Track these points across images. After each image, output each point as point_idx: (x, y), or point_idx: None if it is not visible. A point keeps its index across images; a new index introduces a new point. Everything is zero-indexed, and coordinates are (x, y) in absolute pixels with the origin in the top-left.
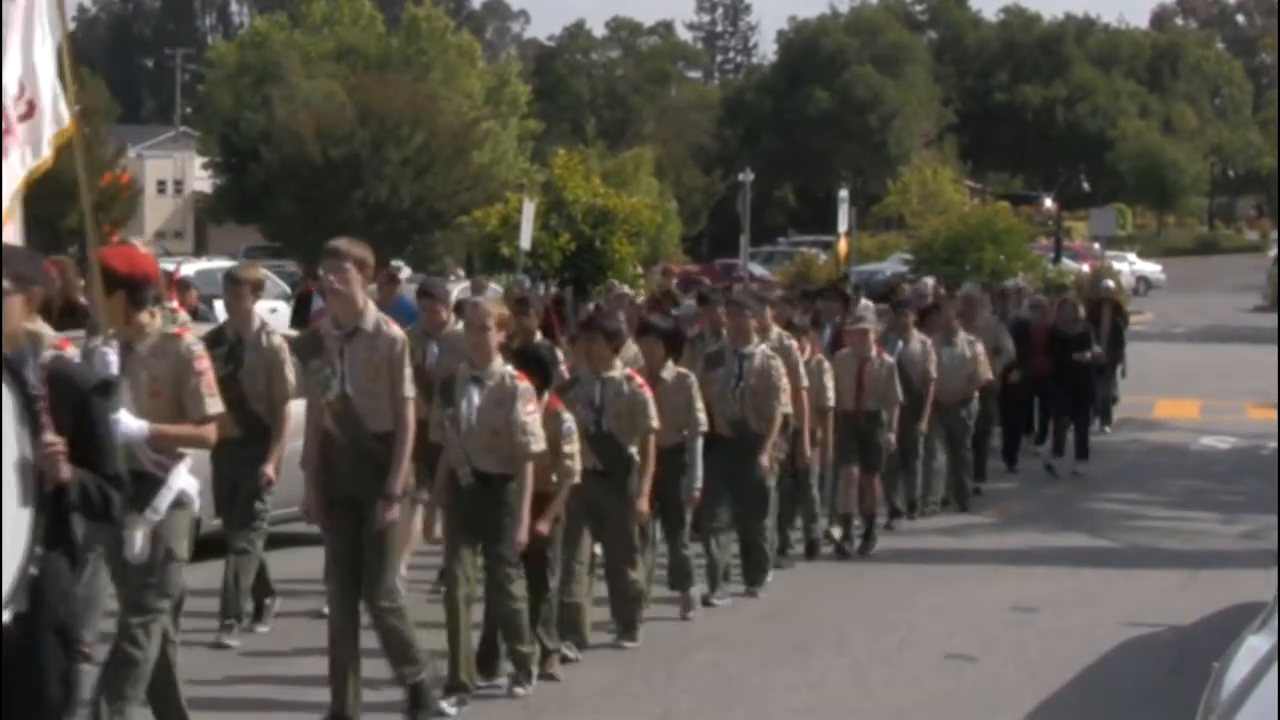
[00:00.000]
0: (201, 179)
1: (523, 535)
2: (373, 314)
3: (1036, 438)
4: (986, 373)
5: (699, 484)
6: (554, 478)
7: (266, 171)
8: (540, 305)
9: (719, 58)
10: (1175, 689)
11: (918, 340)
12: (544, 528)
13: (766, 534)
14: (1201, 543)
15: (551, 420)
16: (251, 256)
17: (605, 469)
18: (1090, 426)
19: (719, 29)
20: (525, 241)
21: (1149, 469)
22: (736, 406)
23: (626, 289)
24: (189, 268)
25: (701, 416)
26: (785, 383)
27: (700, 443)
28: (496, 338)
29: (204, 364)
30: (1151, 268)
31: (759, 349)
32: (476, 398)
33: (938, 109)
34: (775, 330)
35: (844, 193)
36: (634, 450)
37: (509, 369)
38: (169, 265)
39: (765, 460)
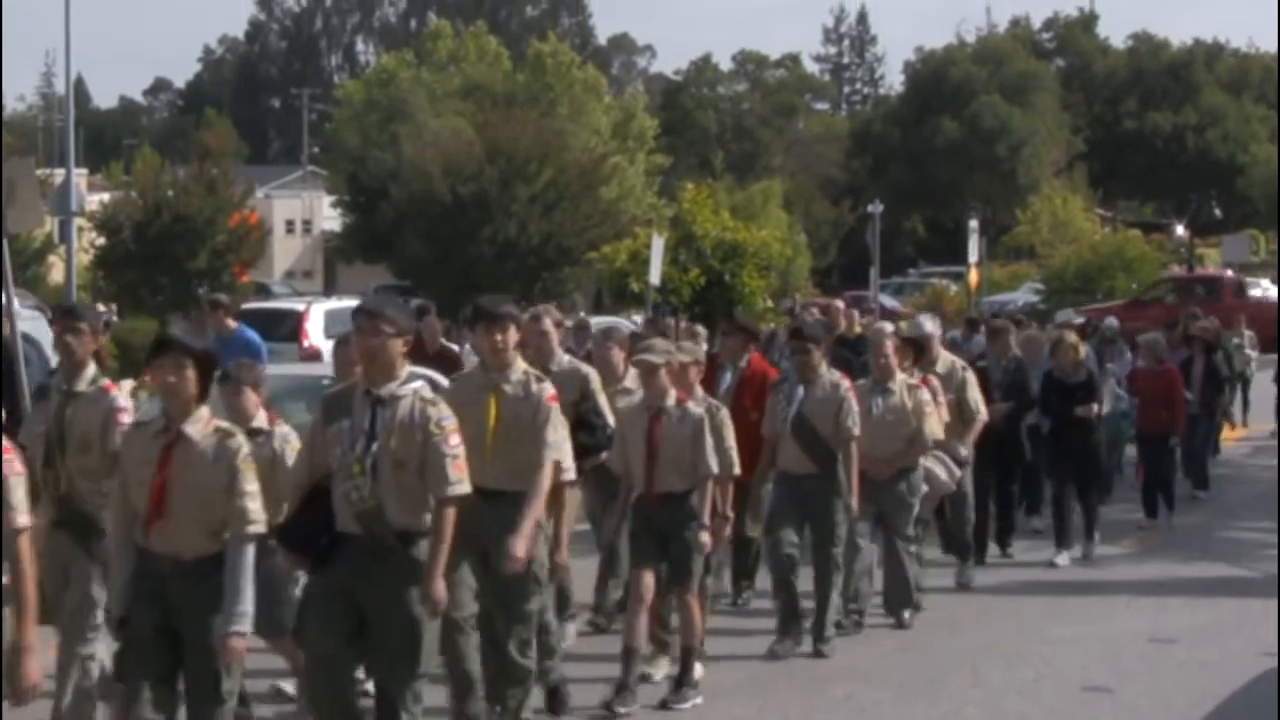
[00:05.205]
0: (330, 218)
1: None
2: None
3: (1027, 507)
4: (937, 430)
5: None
6: None
7: (395, 210)
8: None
9: (846, 89)
10: None
11: (826, 383)
12: None
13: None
14: None
15: None
16: (381, 295)
17: None
18: (1098, 496)
19: (846, 60)
20: (655, 277)
21: None
22: (365, 485)
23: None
24: (318, 307)
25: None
26: (456, 445)
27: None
28: None
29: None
30: None
31: (408, 387)
32: None
33: (1067, 137)
34: (520, 365)
35: (974, 223)
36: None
37: None
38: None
39: (437, 591)
